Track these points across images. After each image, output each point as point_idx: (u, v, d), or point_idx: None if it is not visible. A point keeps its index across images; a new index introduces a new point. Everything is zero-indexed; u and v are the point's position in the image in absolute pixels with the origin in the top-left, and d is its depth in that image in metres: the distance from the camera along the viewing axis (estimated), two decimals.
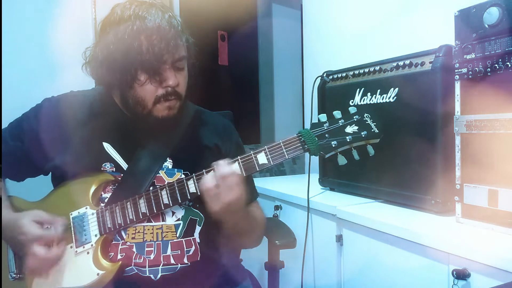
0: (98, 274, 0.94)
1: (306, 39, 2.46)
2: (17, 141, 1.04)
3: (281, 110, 3.41)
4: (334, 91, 1.61)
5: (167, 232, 0.99)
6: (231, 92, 3.05)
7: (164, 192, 0.97)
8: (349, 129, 0.94)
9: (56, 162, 1.01)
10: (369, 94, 1.43)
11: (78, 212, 1.00)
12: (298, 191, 1.64)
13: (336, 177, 1.64)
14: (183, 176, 0.99)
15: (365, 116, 0.95)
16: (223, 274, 1.06)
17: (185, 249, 1.00)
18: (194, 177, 0.95)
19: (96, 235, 0.98)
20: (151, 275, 0.96)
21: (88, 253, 0.97)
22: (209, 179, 0.92)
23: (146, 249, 0.98)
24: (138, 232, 0.99)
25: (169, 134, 1.07)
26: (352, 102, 1.49)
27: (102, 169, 1.01)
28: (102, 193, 1.02)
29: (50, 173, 1.06)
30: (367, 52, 1.91)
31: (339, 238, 1.38)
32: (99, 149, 1.02)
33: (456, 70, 1.10)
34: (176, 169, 1.05)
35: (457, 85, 1.10)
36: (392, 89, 1.34)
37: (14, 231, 0.94)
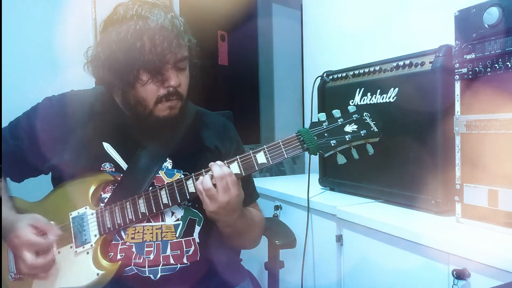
0: (97, 274, 0.94)
1: (306, 39, 2.46)
2: (18, 140, 1.04)
3: (281, 110, 3.41)
4: (334, 91, 1.61)
5: (166, 232, 0.99)
6: (231, 92, 3.05)
7: (163, 192, 0.97)
8: (349, 128, 0.93)
9: (56, 161, 1.01)
10: (369, 94, 1.42)
11: (78, 212, 1.00)
12: (298, 191, 1.64)
13: (336, 177, 1.64)
14: (182, 176, 0.99)
15: (364, 115, 0.95)
16: (223, 274, 1.06)
17: (185, 249, 1.00)
18: (193, 177, 0.95)
19: (95, 235, 0.98)
20: (151, 275, 0.96)
21: (87, 253, 0.97)
22: (205, 180, 0.92)
23: (146, 249, 0.98)
24: (138, 232, 0.99)
25: (170, 134, 1.07)
26: (352, 102, 1.49)
27: (101, 169, 1.01)
28: (102, 193, 1.02)
29: (50, 172, 1.06)
30: (367, 52, 1.91)
31: (339, 238, 1.38)
32: (99, 149, 1.02)
33: (456, 70, 1.10)
34: (176, 170, 1.05)
35: (457, 85, 1.10)
36: (392, 89, 1.33)
37: (10, 232, 0.95)
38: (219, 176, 0.91)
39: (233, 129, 1.22)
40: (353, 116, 0.94)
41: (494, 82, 1.01)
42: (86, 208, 1.00)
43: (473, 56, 1.05)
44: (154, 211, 0.97)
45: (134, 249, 0.97)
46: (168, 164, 1.05)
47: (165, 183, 0.99)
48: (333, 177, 1.65)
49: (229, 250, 1.12)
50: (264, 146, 0.94)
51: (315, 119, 0.97)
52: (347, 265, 1.36)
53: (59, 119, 1.04)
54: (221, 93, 2.96)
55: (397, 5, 1.80)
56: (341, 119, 0.94)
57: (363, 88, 1.45)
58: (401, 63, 1.31)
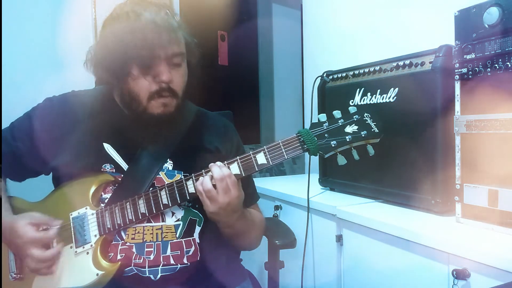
0: (97, 274, 0.94)
1: (306, 39, 2.46)
2: (18, 141, 1.04)
3: (281, 110, 3.41)
4: (334, 91, 1.61)
5: (166, 232, 0.99)
6: (231, 92, 3.05)
7: (163, 193, 0.97)
8: (349, 129, 0.93)
9: (57, 162, 1.01)
10: (369, 94, 1.42)
11: (78, 213, 1.00)
12: (298, 191, 1.64)
13: (336, 177, 1.64)
14: (183, 177, 0.99)
15: (365, 115, 0.94)
16: (223, 274, 1.06)
17: (185, 250, 1.00)
18: (193, 178, 0.95)
19: (95, 236, 0.98)
20: (151, 276, 0.96)
21: (87, 253, 0.97)
22: (205, 181, 0.92)
23: (146, 249, 0.98)
24: (138, 232, 0.99)
25: (170, 135, 1.07)
26: (352, 102, 1.49)
27: (102, 169, 1.01)
28: (102, 193, 1.02)
29: (51, 173, 1.07)
30: (368, 52, 1.91)
31: (339, 238, 1.38)
32: (99, 149, 1.02)
33: (456, 70, 1.10)
34: (176, 171, 1.05)
35: (457, 85, 1.10)
36: (392, 89, 1.33)
37: (11, 234, 0.95)
38: (219, 178, 0.91)
39: (234, 129, 1.22)
40: (354, 117, 0.94)
41: (494, 82, 1.01)
42: (86, 209, 1.00)
43: (473, 56, 1.05)
44: (154, 212, 0.97)
45: (134, 250, 0.97)
46: (169, 165, 1.05)
47: (165, 183, 0.99)
48: (333, 177, 1.65)
49: (229, 250, 1.12)
50: (264, 146, 0.94)
51: (315, 119, 0.97)
52: (347, 265, 1.36)
53: (59, 120, 1.04)
54: (221, 93, 2.96)
55: (397, 5, 1.79)
56: (342, 120, 0.94)
57: (363, 88, 1.45)
58: (401, 63, 1.31)
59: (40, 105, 1.08)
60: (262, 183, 1.93)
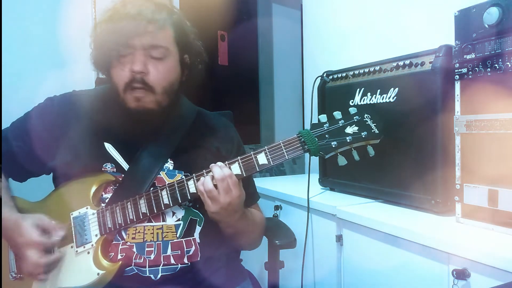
0: (98, 274, 0.94)
1: (306, 39, 2.46)
2: (19, 140, 1.04)
3: (281, 110, 3.41)
4: (334, 91, 1.61)
5: (167, 232, 0.99)
6: (231, 92, 3.05)
7: (164, 192, 0.97)
8: (349, 130, 0.94)
9: (58, 162, 1.02)
10: (369, 94, 1.43)
11: (79, 212, 1.00)
12: (298, 191, 1.64)
13: (336, 177, 1.64)
14: (183, 177, 0.99)
15: (365, 116, 0.95)
16: (223, 274, 1.06)
17: (185, 249, 1.00)
18: (194, 177, 0.96)
19: (96, 235, 0.98)
20: (151, 275, 0.96)
21: (88, 253, 0.97)
22: (206, 181, 0.92)
23: (146, 249, 0.98)
24: (139, 232, 0.99)
25: (169, 134, 1.07)
26: (352, 102, 1.49)
27: (103, 169, 1.01)
28: (103, 193, 1.02)
29: (52, 172, 1.07)
30: (367, 52, 1.91)
31: (339, 238, 1.38)
32: (100, 149, 1.02)
33: (456, 70, 1.10)
34: (177, 171, 1.05)
35: (457, 85, 1.10)
36: (392, 89, 1.34)
37: (14, 231, 0.94)
38: (220, 178, 0.91)
39: (234, 130, 1.22)
40: (354, 117, 0.95)
41: (494, 82, 1.01)
42: (87, 208, 1.00)
43: (473, 56, 1.05)
44: (155, 211, 0.97)
45: (134, 249, 0.97)
46: (170, 165, 1.05)
47: (166, 183, 0.99)
48: (333, 177, 1.65)
49: (229, 250, 1.12)
50: (265, 147, 0.94)
51: (315, 119, 0.97)
52: (347, 265, 1.37)
53: (60, 119, 1.04)
54: (221, 93, 2.96)
55: (397, 5, 1.80)
56: (342, 121, 0.94)
57: (363, 88, 1.45)
58: (401, 63, 1.31)
59: (41, 104, 1.08)
60: (262, 183, 1.93)
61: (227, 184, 0.91)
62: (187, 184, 0.96)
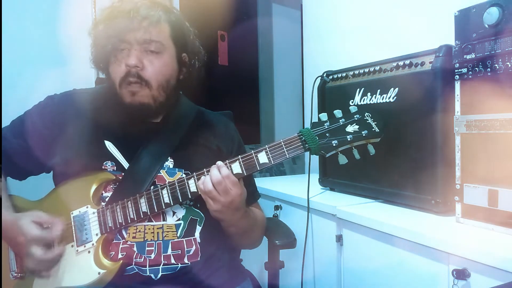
0: (99, 273, 0.94)
1: (306, 39, 2.46)
2: (20, 139, 1.04)
3: (281, 110, 3.41)
4: (334, 91, 1.61)
5: (167, 231, 0.99)
6: (231, 92, 3.05)
7: (165, 191, 0.97)
8: (350, 128, 0.94)
9: (58, 160, 1.02)
10: (369, 94, 1.43)
11: (79, 211, 1.00)
12: (298, 191, 1.64)
13: (336, 177, 1.64)
14: (184, 176, 0.99)
15: (366, 115, 0.95)
16: (223, 274, 1.06)
17: (186, 249, 1.00)
18: (195, 176, 0.96)
19: (97, 234, 0.98)
20: (152, 275, 0.96)
21: (89, 252, 0.97)
22: (206, 181, 0.92)
23: (147, 248, 0.98)
24: (139, 231, 0.99)
25: (169, 133, 1.07)
26: (352, 102, 1.49)
27: (103, 167, 1.01)
28: (103, 192, 1.02)
29: (52, 171, 1.06)
30: (367, 52, 1.91)
31: (339, 238, 1.38)
32: (100, 147, 1.03)
33: (456, 70, 1.10)
34: (177, 169, 1.05)
35: (457, 85, 1.10)
36: (392, 89, 1.34)
37: (13, 231, 0.95)
38: (216, 181, 0.91)
39: (234, 128, 1.22)
40: (355, 116, 0.95)
41: (494, 82, 1.01)
42: (87, 207, 1.00)
43: (473, 56, 1.05)
44: (156, 210, 0.97)
45: (135, 248, 0.97)
46: (170, 163, 1.05)
47: (167, 182, 0.99)
48: (333, 177, 1.65)
49: (229, 250, 1.12)
50: (266, 146, 0.94)
51: (315, 119, 0.97)
52: (347, 265, 1.37)
53: (61, 118, 1.05)
54: (221, 93, 2.96)
55: (397, 5, 1.80)
56: (343, 120, 0.94)
57: (363, 88, 1.45)
58: (401, 63, 1.31)
59: (41, 103, 1.08)
60: (262, 183, 1.93)
61: (224, 186, 0.92)
62: (187, 183, 0.96)
